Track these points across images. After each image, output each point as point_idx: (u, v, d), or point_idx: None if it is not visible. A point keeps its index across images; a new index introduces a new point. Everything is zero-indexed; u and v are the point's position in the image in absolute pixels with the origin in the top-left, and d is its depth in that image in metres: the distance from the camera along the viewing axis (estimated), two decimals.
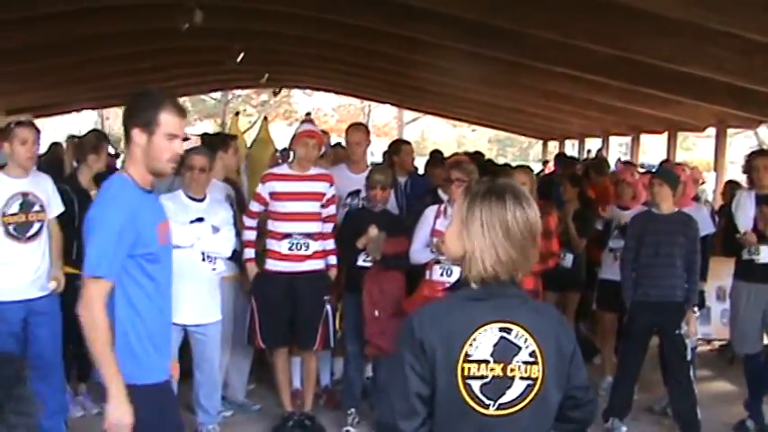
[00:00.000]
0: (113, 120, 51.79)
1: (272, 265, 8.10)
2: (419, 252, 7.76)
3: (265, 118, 15.68)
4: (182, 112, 4.61)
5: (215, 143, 8.97)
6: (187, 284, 7.39)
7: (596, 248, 10.29)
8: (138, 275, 4.58)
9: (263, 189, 8.10)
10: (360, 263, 8.25)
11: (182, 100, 50.97)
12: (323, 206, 8.18)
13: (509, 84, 17.62)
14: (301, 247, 8.01)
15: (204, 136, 11.93)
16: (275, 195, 8.06)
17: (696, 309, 8.51)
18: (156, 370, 4.73)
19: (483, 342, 3.20)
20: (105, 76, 20.77)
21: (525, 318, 3.27)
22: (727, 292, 9.38)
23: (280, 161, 8.25)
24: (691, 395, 8.44)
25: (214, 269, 7.63)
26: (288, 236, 8.01)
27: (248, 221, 8.22)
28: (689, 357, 8.48)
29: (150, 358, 4.66)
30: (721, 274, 9.76)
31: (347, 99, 48.47)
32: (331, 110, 58.10)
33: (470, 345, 3.19)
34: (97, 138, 8.88)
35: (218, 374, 7.97)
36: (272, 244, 8.09)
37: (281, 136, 23.90)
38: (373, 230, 8.05)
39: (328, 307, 8.15)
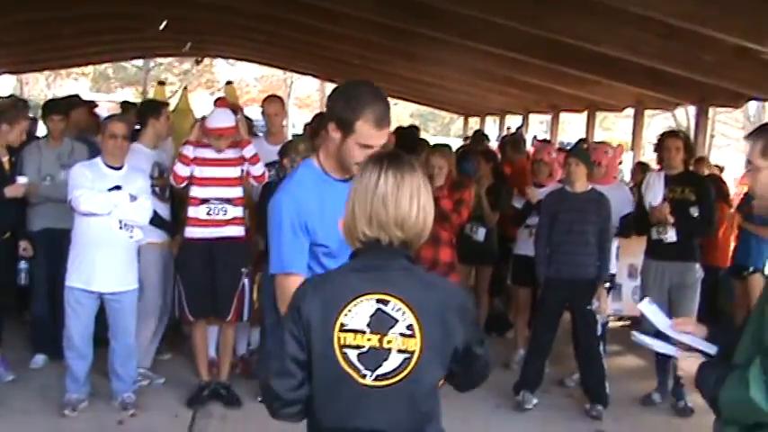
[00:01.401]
0: (32, 85, 51.08)
1: (190, 232, 8.10)
2: None
3: (185, 88, 15.62)
4: (381, 123, 4.18)
5: (146, 110, 8.94)
6: (103, 252, 7.45)
7: (511, 225, 10.43)
8: (315, 267, 4.27)
9: (190, 151, 8.09)
10: None
11: (103, 66, 50.01)
12: (250, 164, 8.15)
13: (431, 59, 17.67)
14: (219, 212, 8.03)
15: (124, 104, 11.87)
16: (194, 161, 8.10)
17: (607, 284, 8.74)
18: None
19: (359, 312, 3.27)
20: (24, 41, 20.43)
21: (406, 291, 3.30)
22: (639, 269, 9.57)
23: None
24: (600, 369, 8.67)
25: (131, 237, 7.65)
26: (206, 201, 8.04)
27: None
28: (599, 333, 8.69)
29: None
30: (634, 251, 9.93)
31: (270, 70, 48.16)
32: (253, 80, 57.71)
33: (345, 315, 3.27)
34: (15, 107, 8.81)
35: (134, 342, 7.97)
36: (191, 211, 8.09)
37: (203, 105, 23.73)
38: None
39: (245, 280, 8.20)
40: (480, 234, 10.42)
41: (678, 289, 8.86)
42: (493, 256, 10.81)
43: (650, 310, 4.14)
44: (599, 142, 11.37)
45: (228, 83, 11.52)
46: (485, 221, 10.44)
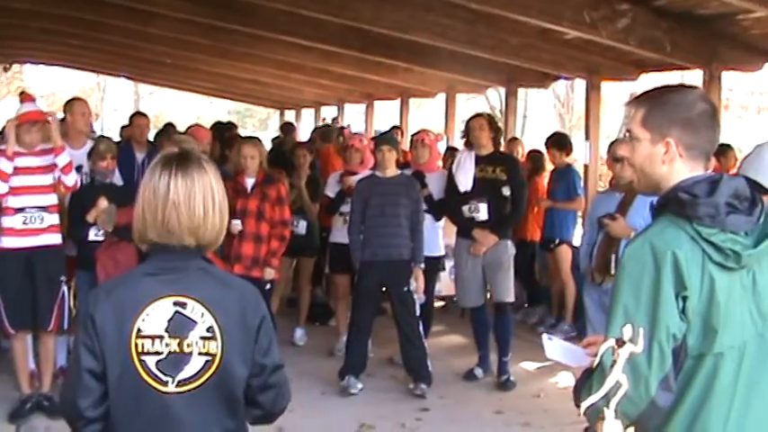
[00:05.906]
0: None
1: (7, 242, 7.91)
2: None
3: None
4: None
5: None
6: None
7: (326, 214, 10.54)
8: None
9: (8, 166, 7.86)
10: (91, 238, 8.18)
11: None
12: (63, 174, 8.02)
13: (243, 55, 17.62)
14: (36, 221, 7.90)
15: None
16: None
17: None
18: None
19: (156, 317, 3.16)
20: None
21: (204, 292, 3.23)
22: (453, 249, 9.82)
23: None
24: (421, 349, 8.87)
25: None
26: (21, 210, 7.88)
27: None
28: (418, 313, 8.88)
29: None
30: (450, 232, 10.15)
31: (83, 74, 47.18)
32: (66, 85, 56.49)
33: (143, 320, 3.15)
34: None
35: None
36: (6, 221, 7.91)
37: (13, 113, 23.14)
38: (103, 202, 7.99)
39: (65, 288, 8.10)
40: (302, 227, 10.44)
41: (491, 267, 9.12)
42: (314, 247, 10.89)
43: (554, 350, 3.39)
44: (423, 130, 11.38)
45: (21, 93, 11.24)
46: (305, 214, 10.54)
